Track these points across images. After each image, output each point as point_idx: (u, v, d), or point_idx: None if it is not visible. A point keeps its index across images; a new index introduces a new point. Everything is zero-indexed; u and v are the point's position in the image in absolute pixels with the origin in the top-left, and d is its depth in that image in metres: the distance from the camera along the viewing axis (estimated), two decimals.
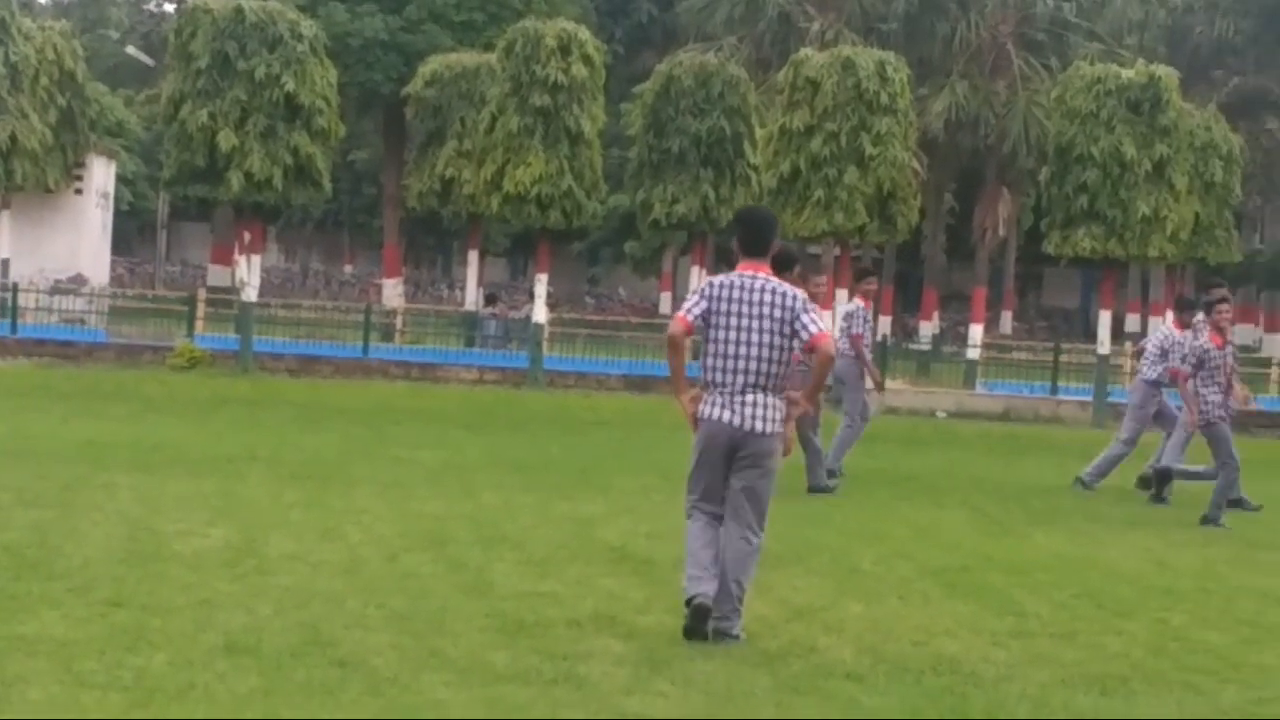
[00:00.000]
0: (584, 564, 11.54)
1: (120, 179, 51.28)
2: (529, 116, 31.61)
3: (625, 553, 12.16)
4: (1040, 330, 65.16)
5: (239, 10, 31.57)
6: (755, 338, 9.33)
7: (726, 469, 9.42)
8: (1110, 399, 31.70)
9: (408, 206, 44.78)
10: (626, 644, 8.97)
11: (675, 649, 8.92)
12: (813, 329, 9.34)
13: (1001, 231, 53.51)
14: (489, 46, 41.15)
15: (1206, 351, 16.80)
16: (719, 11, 52.15)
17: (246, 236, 32.92)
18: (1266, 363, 39.93)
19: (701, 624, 9.17)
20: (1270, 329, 64.03)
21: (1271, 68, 57.22)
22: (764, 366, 9.34)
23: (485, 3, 49.32)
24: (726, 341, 9.37)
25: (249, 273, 32.39)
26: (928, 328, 52.29)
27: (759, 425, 9.32)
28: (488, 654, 8.57)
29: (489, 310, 41.68)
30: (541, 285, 33.33)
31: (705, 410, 9.44)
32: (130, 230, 74.60)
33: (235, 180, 31.18)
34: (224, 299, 38.38)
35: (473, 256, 41.33)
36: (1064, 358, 34.86)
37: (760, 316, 9.34)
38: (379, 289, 53.50)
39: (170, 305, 38.85)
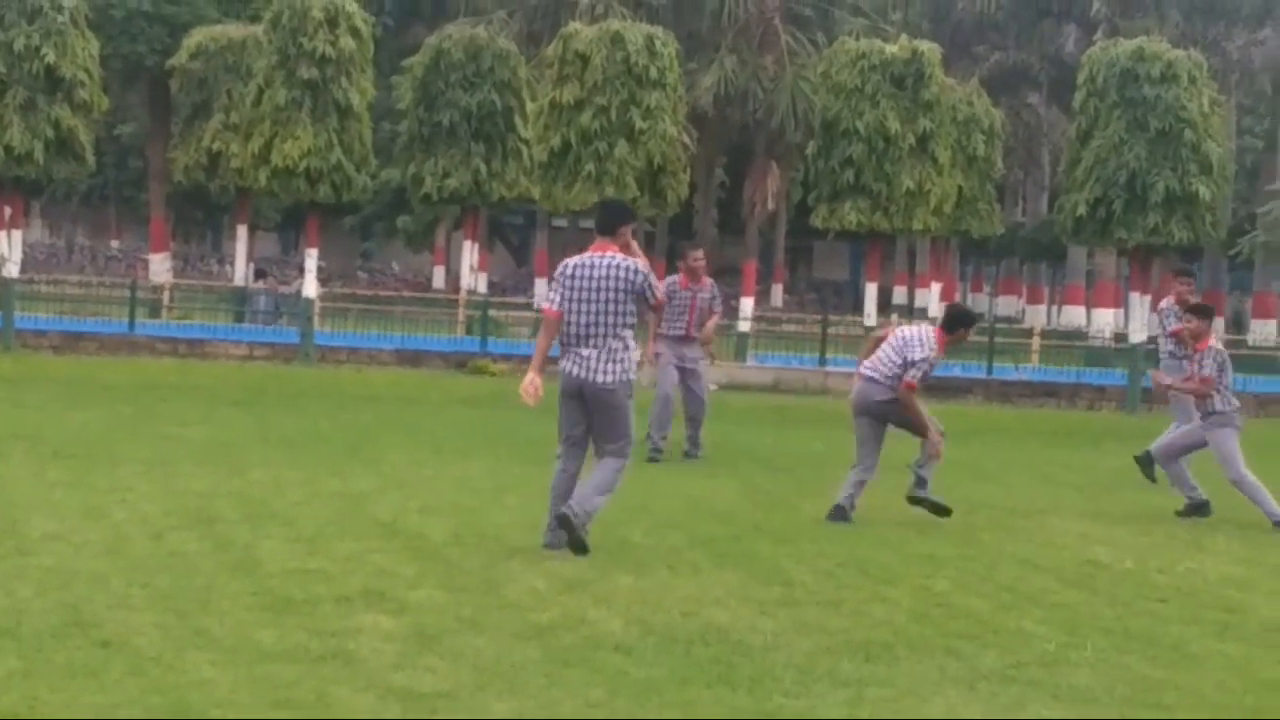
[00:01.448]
0: (354, 540, 11.46)
1: None
2: (296, 89, 31.23)
3: (396, 528, 12.11)
4: (810, 303, 65.95)
5: None
6: (599, 306, 11.28)
7: (583, 415, 11.46)
8: None
9: (174, 180, 44.09)
10: (396, 620, 8.94)
11: (445, 624, 8.90)
12: (658, 293, 11.66)
13: (771, 205, 54.05)
14: (255, 18, 40.61)
15: None
16: None
17: (7, 211, 32.14)
18: (1029, 333, 40.77)
19: (568, 532, 11.14)
20: (1033, 300, 65.44)
21: (1030, 43, 58.41)
22: (606, 329, 11.29)
23: None
24: (576, 311, 11.30)
25: (10, 248, 31.63)
26: None
27: (600, 378, 11.26)
28: (254, 632, 8.49)
29: (259, 285, 41.19)
30: (312, 260, 32.97)
31: (562, 366, 11.43)
32: None
33: None
34: None
35: (242, 231, 40.82)
36: (832, 330, 35.27)
37: (603, 289, 11.28)
38: (146, 264, 52.60)
39: None
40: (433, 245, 65.31)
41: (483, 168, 37.14)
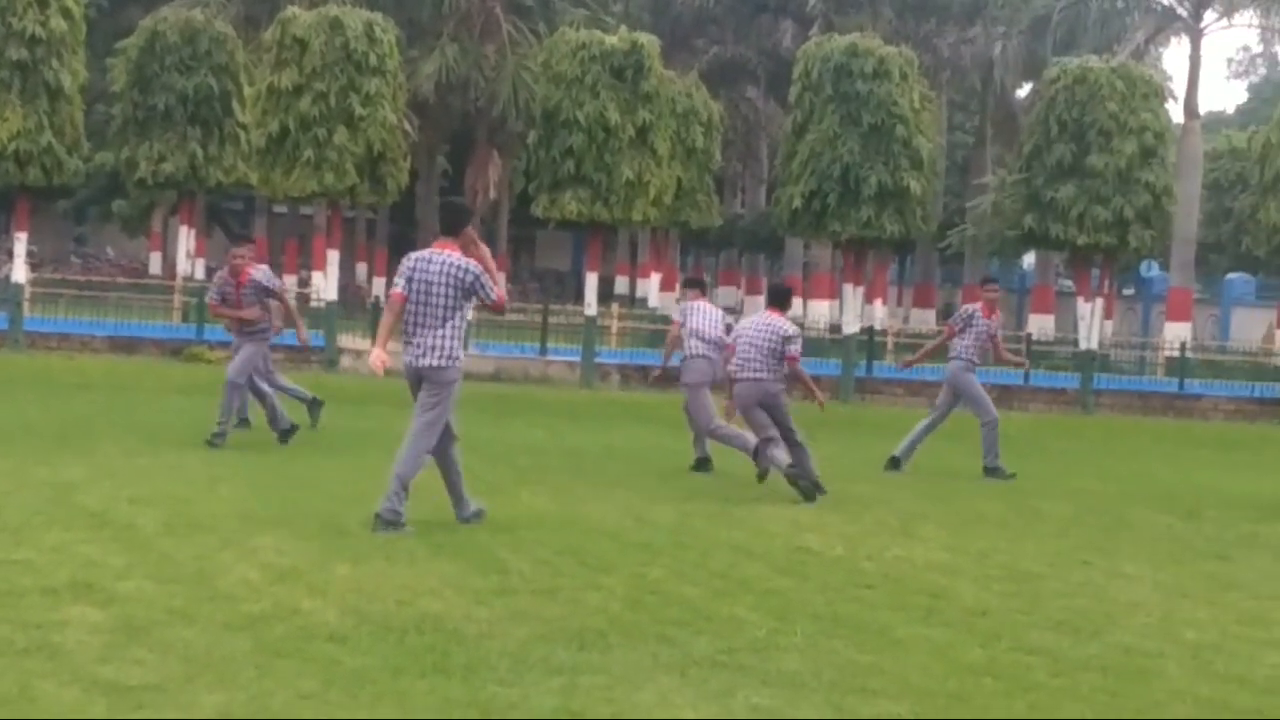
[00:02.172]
0: (62, 530, 11.23)
1: None
2: (5, 70, 30.43)
3: (106, 518, 11.89)
4: (533, 292, 65.99)
5: None
6: (432, 299, 12.37)
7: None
8: (597, 359, 32.41)
9: None
10: (104, 611, 8.78)
11: (155, 615, 8.77)
12: (492, 294, 12.57)
13: (493, 194, 54.09)
14: None
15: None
16: None
17: None
18: None
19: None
20: (751, 291, 66.29)
21: (749, 38, 59.16)
22: (436, 319, 12.40)
23: None
24: (415, 302, 12.41)
25: None
26: None
27: (428, 360, 12.39)
28: None
29: None
30: (21, 244, 32.18)
31: (404, 358, 12.54)
32: None
33: None
34: None
35: None
36: (553, 319, 35.38)
37: (436, 283, 12.35)
38: None
39: None
40: (149, 230, 64.08)
41: (199, 152, 36.64)
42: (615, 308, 41.42)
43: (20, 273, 31.92)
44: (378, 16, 33.19)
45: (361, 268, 61.66)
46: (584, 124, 31.71)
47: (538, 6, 52.84)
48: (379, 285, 53.27)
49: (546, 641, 8.77)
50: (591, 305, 33.06)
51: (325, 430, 19.59)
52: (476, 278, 12.40)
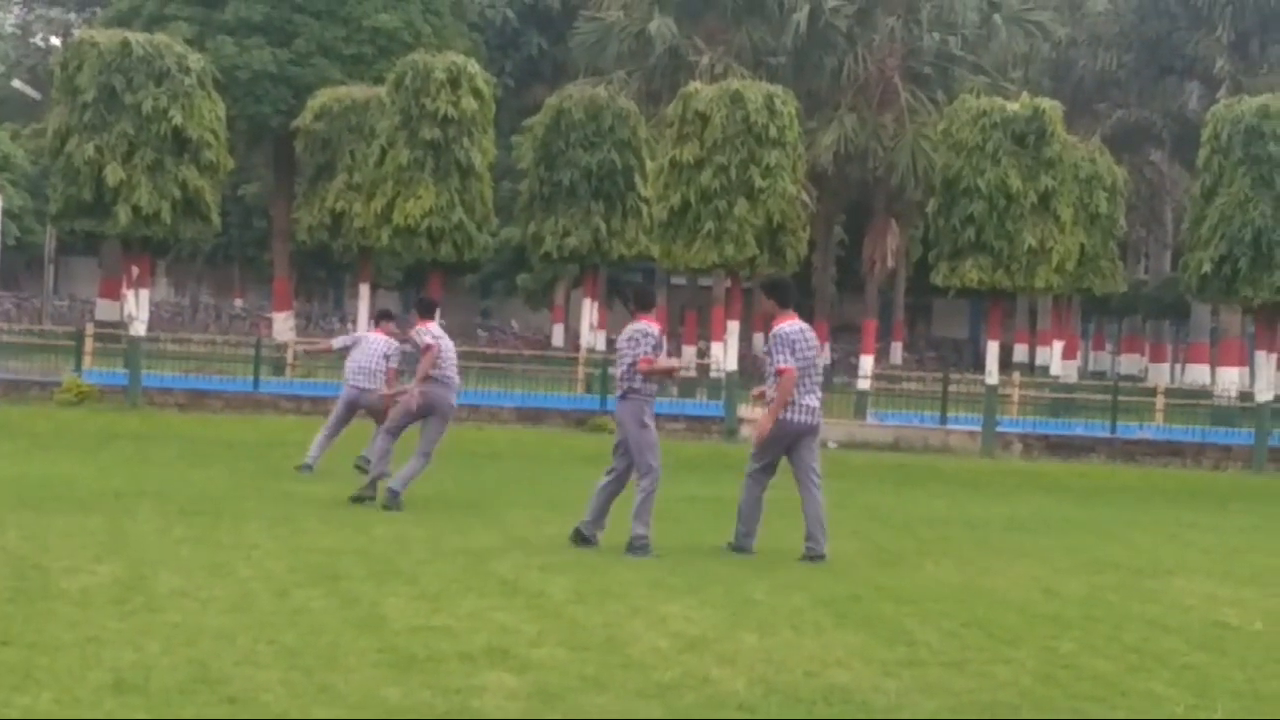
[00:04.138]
0: (477, 597, 11.50)
1: (7, 213, 50.81)
2: (419, 149, 31.56)
3: (517, 586, 12.13)
4: (930, 360, 65.63)
5: (125, 44, 31.39)
6: (815, 365, 14.63)
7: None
8: (999, 428, 32.00)
9: (298, 240, 44.53)
10: (519, 678, 8.95)
11: (568, 682, 8.91)
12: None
13: (890, 263, 53.88)
14: (378, 80, 41.13)
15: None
16: (609, 46, 52.20)
17: (135, 271, 32.63)
18: (1153, 392, 40.39)
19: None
20: (1156, 359, 64.78)
21: (1153, 101, 57.95)
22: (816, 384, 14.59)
23: (375, 36, 49.33)
24: (803, 371, 14.48)
25: (137, 307, 32.13)
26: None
27: (818, 419, 14.65)
28: (380, 689, 8.54)
29: None
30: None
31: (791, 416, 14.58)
32: (18, 265, 73.94)
33: (123, 214, 30.97)
34: (112, 334, 38.00)
35: (364, 290, 41.16)
36: (953, 388, 35.08)
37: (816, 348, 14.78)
38: (270, 323, 53.18)
39: (58, 340, 38.37)
40: (552, 303, 65.51)
41: (602, 226, 37.27)
42: (1016, 375, 40.87)
43: None
44: (778, 89, 33.37)
45: (758, 338, 62.05)
46: (985, 191, 31.39)
47: (936, 75, 52.62)
48: None
49: (957, 714, 8.66)
50: (993, 373, 32.66)
51: (731, 501, 19.69)
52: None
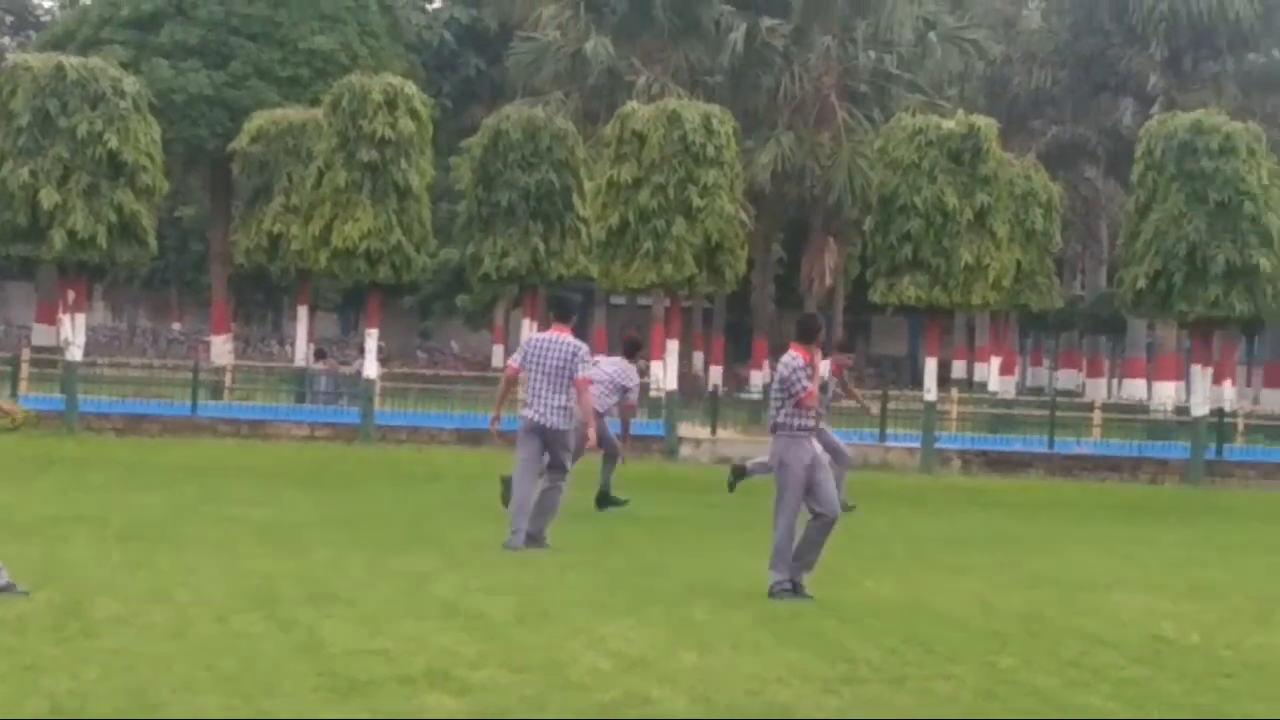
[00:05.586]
0: (416, 619, 11.47)
1: None
2: (356, 171, 31.45)
3: (457, 608, 12.11)
4: (869, 378, 65.78)
5: (60, 67, 31.26)
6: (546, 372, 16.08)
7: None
8: (938, 444, 32.10)
9: (236, 263, 44.41)
10: (460, 700, 8.93)
11: (509, 703, 8.90)
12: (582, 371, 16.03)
13: (829, 281, 54.10)
14: (315, 102, 41.07)
15: None
16: (546, 66, 52.21)
17: (71, 295, 32.46)
18: (1090, 407, 40.59)
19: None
20: (1093, 374, 65.15)
21: (1087, 117, 58.32)
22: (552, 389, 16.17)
23: (311, 58, 49.34)
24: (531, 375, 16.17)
25: (74, 332, 31.94)
26: (759, 377, 52.58)
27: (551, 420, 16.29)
28: (319, 713, 8.51)
29: (319, 366, 41.36)
30: (372, 340, 33.12)
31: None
32: None
33: (58, 239, 30.82)
34: (49, 359, 37.77)
35: (302, 312, 41.10)
36: (891, 405, 35.15)
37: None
38: (208, 346, 52.99)
39: None
40: (491, 324, 65.55)
41: (541, 246, 37.24)
42: (955, 392, 41.02)
43: (371, 368, 32.82)
44: (715, 108, 33.41)
45: (698, 356, 62.14)
46: (921, 209, 31.47)
47: (872, 93, 52.84)
48: (715, 374, 53.61)
49: None
50: (931, 390, 32.76)
51: (671, 519, 19.72)
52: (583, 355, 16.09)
